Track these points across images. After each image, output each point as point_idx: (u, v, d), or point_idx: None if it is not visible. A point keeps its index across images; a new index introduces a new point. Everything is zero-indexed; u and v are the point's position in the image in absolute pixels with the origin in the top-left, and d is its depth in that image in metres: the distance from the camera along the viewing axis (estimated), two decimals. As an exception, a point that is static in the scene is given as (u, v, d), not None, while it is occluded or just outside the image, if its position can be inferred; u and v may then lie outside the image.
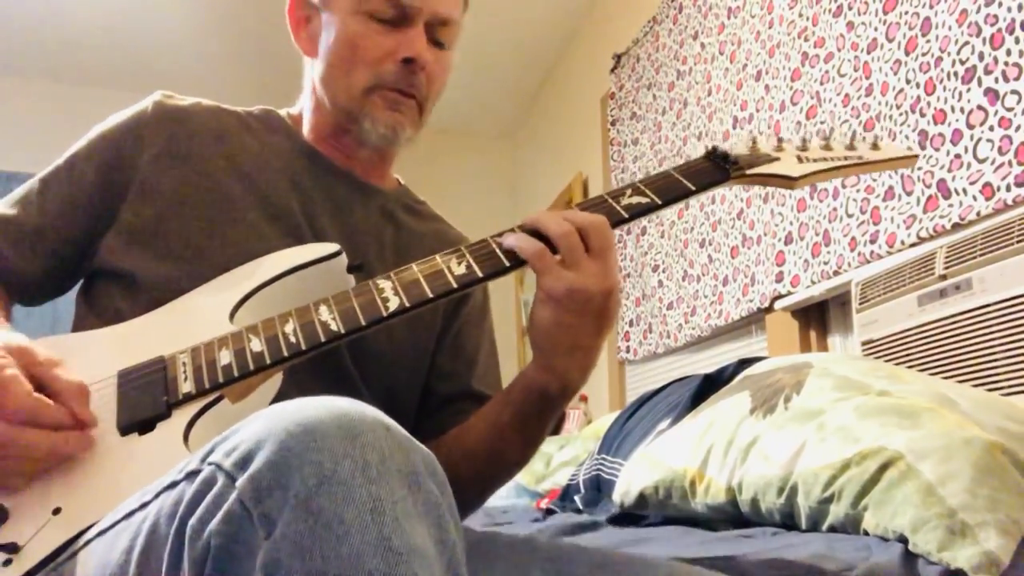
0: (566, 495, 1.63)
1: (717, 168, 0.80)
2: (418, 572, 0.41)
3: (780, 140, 0.84)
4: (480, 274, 0.73)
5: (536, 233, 0.73)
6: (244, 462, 0.44)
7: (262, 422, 0.46)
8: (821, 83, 1.85)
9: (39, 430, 0.62)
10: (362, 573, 0.40)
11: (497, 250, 0.74)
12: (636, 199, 0.77)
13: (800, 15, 1.96)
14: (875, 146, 0.85)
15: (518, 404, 0.80)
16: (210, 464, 0.46)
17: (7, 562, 0.57)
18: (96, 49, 3.73)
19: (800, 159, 0.82)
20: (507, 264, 0.73)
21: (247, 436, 0.46)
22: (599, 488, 1.49)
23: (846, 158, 0.83)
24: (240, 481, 0.43)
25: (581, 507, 1.53)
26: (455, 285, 0.72)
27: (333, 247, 0.80)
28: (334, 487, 0.42)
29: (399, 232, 0.96)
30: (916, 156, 0.86)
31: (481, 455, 0.85)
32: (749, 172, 0.81)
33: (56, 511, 0.60)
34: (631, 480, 1.25)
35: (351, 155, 0.94)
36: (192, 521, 0.44)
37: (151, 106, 0.89)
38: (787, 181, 0.81)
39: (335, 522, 0.41)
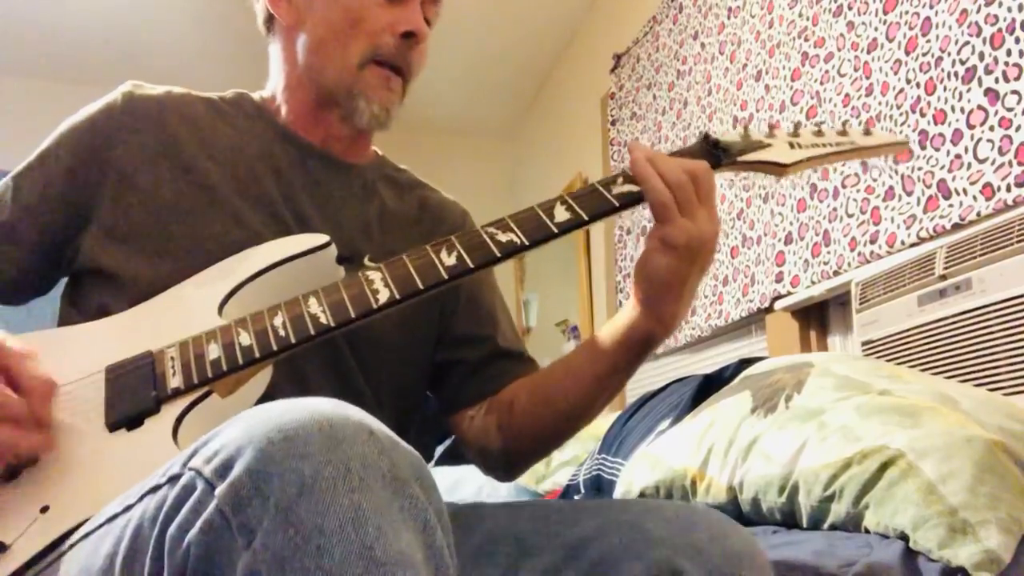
0: (566, 495, 1.63)
1: (709, 155, 0.80)
2: None
3: (772, 128, 0.84)
4: (471, 264, 0.72)
5: (644, 181, 0.74)
6: (224, 469, 0.43)
7: (243, 427, 0.45)
8: (821, 83, 1.85)
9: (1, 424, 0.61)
10: None
11: (488, 240, 0.74)
12: (627, 187, 0.77)
13: (800, 15, 1.96)
14: (867, 132, 0.85)
15: (620, 354, 0.81)
16: (190, 469, 0.45)
17: None
18: (95, 48, 3.73)
19: (792, 145, 0.82)
20: (497, 255, 0.73)
21: (227, 441, 0.45)
22: (600, 488, 1.49)
23: (838, 144, 0.83)
24: (219, 489, 0.43)
25: (581, 507, 1.53)
26: (445, 276, 0.72)
27: (323, 238, 0.80)
28: (315, 496, 0.41)
29: (383, 208, 0.95)
30: (906, 141, 0.86)
31: (569, 408, 0.85)
32: (740, 159, 0.80)
33: (44, 509, 0.60)
34: (632, 480, 1.25)
35: (330, 133, 0.92)
36: (171, 530, 0.44)
37: (120, 97, 0.87)
38: (779, 168, 0.80)
39: (315, 532, 0.40)
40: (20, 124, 3.83)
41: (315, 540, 0.40)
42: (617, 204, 0.76)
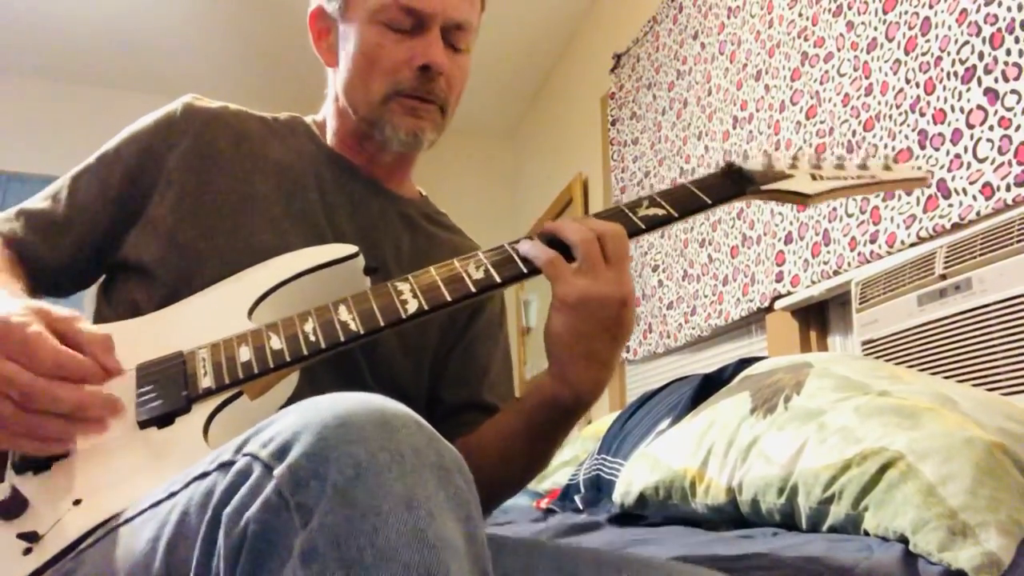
0: (566, 495, 1.63)
1: (733, 183, 0.82)
2: (451, 565, 0.42)
3: (795, 158, 0.86)
4: (498, 279, 0.73)
5: (554, 240, 0.73)
6: (281, 452, 0.45)
7: (297, 415, 0.47)
8: (821, 83, 1.85)
9: (67, 384, 0.62)
10: (397, 564, 0.41)
11: (515, 255, 0.75)
12: (653, 211, 0.78)
13: (800, 15, 1.96)
14: (887, 167, 0.86)
15: (530, 414, 0.80)
16: (245, 455, 0.47)
17: (28, 551, 0.58)
18: (96, 49, 3.73)
19: (814, 177, 0.84)
20: (524, 270, 0.74)
21: (283, 428, 0.46)
22: (599, 488, 1.49)
23: (858, 177, 0.85)
24: (278, 471, 0.44)
25: (581, 507, 1.53)
26: (473, 290, 0.73)
27: (351, 248, 0.82)
28: (371, 478, 0.43)
29: (416, 238, 0.97)
30: (928, 176, 0.87)
31: (490, 464, 0.83)
32: (764, 188, 0.82)
33: (76, 502, 0.61)
34: (631, 480, 1.25)
35: (373, 160, 0.95)
36: (228, 510, 0.45)
37: (181, 108, 0.91)
38: (801, 198, 0.82)
39: (371, 513, 0.42)
40: (20, 124, 3.84)
41: (371, 520, 0.42)
42: (643, 227, 0.77)
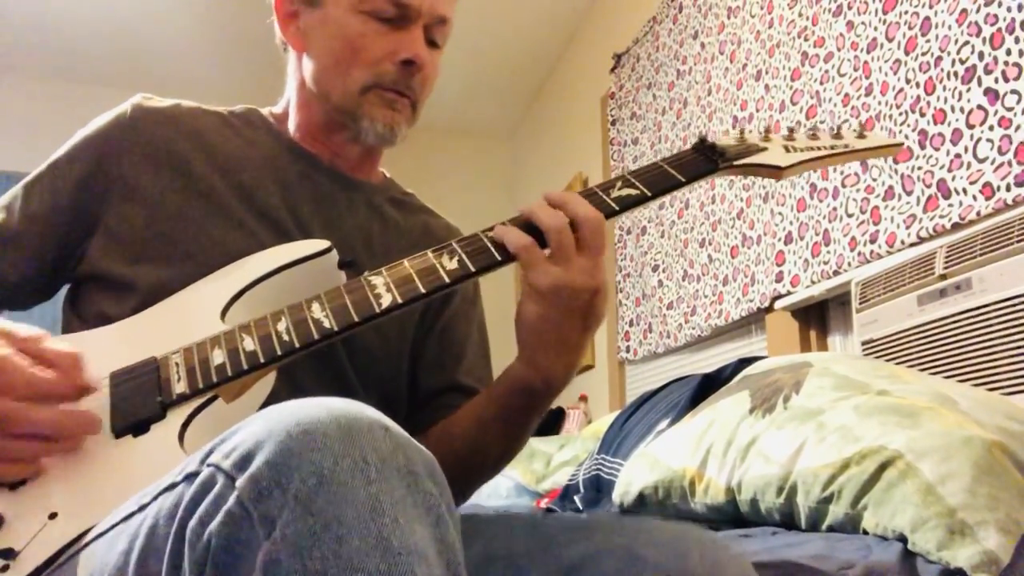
0: (566, 495, 1.63)
1: (705, 159, 0.80)
2: (417, 572, 0.41)
3: (767, 131, 0.85)
4: (472, 268, 0.72)
5: (530, 224, 0.72)
6: (243, 463, 0.44)
7: (261, 423, 0.46)
8: (821, 83, 1.85)
9: (43, 406, 0.62)
10: (362, 573, 0.40)
11: (489, 244, 0.73)
12: (626, 191, 0.77)
13: (800, 15, 1.96)
14: (861, 135, 0.85)
15: (502, 399, 0.80)
16: (209, 465, 0.46)
17: (4, 568, 0.57)
18: (96, 49, 3.73)
19: (787, 149, 0.82)
20: (499, 258, 0.72)
21: (246, 437, 0.45)
22: (599, 488, 1.49)
23: (832, 147, 0.83)
24: (240, 481, 0.43)
25: (581, 507, 1.53)
26: (447, 280, 0.72)
27: (324, 244, 0.80)
28: (333, 487, 0.42)
29: (386, 226, 0.95)
30: (901, 143, 0.86)
31: (463, 449, 0.84)
32: (737, 163, 0.80)
33: (52, 515, 0.60)
34: (631, 480, 1.25)
35: (338, 151, 0.93)
36: (192, 523, 0.44)
37: (130, 109, 0.88)
38: (774, 171, 0.81)
39: (334, 522, 0.41)
40: (20, 124, 3.84)
41: (334, 530, 0.41)
42: (617, 208, 0.76)
